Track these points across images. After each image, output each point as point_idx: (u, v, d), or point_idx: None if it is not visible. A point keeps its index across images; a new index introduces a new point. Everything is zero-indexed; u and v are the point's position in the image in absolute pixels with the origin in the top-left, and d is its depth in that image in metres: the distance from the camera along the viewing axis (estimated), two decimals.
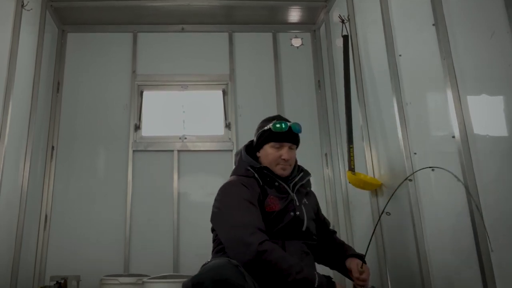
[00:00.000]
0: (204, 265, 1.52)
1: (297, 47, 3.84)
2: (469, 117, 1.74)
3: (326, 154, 3.48)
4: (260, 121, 1.97)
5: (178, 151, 3.50)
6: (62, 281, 2.82)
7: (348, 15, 2.92)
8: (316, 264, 1.86)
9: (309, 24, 3.85)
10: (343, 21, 2.90)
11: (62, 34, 3.66)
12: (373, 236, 1.82)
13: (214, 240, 1.82)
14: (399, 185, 1.89)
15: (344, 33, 2.88)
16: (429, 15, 1.96)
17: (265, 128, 1.88)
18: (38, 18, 3.18)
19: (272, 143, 1.85)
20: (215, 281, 1.33)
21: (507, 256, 1.54)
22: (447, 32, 1.86)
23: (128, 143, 3.46)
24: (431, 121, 2.07)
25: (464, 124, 1.75)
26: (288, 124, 1.86)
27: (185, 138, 3.56)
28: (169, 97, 3.72)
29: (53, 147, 3.39)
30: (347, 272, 1.81)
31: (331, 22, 3.42)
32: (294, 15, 3.75)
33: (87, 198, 3.32)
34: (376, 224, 1.92)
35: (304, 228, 1.77)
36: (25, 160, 2.92)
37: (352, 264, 1.77)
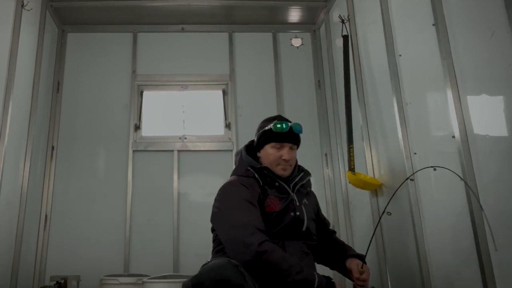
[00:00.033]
0: (204, 265, 1.52)
1: (297, 47, 3.84)
2: (469, 117, 1.74)
3: (326, 154, 3.48)
4: (260, 121, 1.97)
5: (178, 151, 3.50)
6: (62, 281, 2.82)
7: (348, 15, 2.92)
8: (316, 264, 1.86)
9: (309, 24, 3.85)
10: (343, 21, 2.90)
11: (62, 34, 3.66)
12: (373, 236, 1.82)
13: (214, 240, 1.82)
14: (401, 184, 1.88)
15: (344, 33, 2.88)
16: (429, 15, 1.96)
17: (266, 128, 1.88)
18: (38, 18, 3.18)
19: (272, 143, 1.85)
20: (215, 281, 1.33)
21: (507, 256, 1.54)
22: (447, 32, 1.86)
23: (128, 143, 3.46)
24: (431, 121, 2.07)
25: (464, 124, 1.75)
26: (289, 124, 1.86)
27: (185, 138, 3.56)
28: (169, 97, 3.72)
29: (53, 147, 3.39)
30: (347, 273, 1.81)
31: (331, 22, 3.42)
32: (294, 15, 3.75)
33: (87, 198, 3.32)
34: (377, 225, 1.92)
35: (304, 228, 1.77)
36: (25, 160, 2.92)
37: (352, 264, 1.77)
